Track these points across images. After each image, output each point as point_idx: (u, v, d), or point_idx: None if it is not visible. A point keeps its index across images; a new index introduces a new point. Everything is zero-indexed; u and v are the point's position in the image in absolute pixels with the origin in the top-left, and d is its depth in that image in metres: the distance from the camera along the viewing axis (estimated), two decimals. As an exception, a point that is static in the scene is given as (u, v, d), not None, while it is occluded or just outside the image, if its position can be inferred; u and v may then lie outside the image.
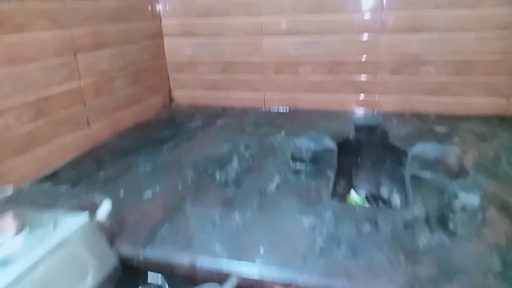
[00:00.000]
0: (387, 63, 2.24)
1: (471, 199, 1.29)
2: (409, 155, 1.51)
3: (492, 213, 1.19)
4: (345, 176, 1.84)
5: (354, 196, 1.76)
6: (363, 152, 1.96)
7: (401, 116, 2.21)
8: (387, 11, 2.15)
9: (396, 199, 1.75)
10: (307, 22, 2.30)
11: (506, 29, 2.01)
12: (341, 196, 1.75)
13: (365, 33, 2.23)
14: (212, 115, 2.42)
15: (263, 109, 2.52)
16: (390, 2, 2.13)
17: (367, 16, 2.19)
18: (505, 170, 1.47)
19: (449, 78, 2.18)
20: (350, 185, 1.90)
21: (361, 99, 2.37)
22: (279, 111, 2.49)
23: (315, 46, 2.33)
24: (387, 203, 1.82)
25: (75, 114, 1.82)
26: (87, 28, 1.87)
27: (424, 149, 1.51)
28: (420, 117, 2.18)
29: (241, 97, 2.59)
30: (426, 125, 2.05)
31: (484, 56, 2.10)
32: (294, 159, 1.63)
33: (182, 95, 2.70)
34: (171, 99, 2.71)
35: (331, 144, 1.63)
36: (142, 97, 2.38)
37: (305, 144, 1.63)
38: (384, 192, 1.89)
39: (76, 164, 1.72)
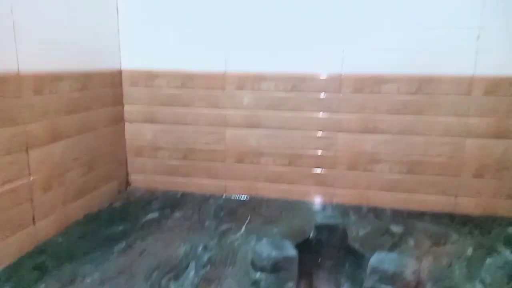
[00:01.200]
0: (344, 159, 2.36)
1: None
2: (369, 266, 1.51)
3: None
4: (306, 279, 1.79)
5: None
6: (323, 252, 1.94)
7: (358, 210, 2.27)
8: (344, 113, 2.32)
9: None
10: (269, 117, 2.41)
11: (449, 136, 2.22)
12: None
13: (323, 131, 2.36)
14: (170, 203, 2.37)
15: (224, 197, 2.50)
16: (346, 106, 2.30)
17: (325, 115, 2.34)
18: (459, 286, 1.51)
19: (402, 176, 2.31)
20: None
21: (319, 191, 2.43)
22: (239, 199, 2.48)
23: (276, 139, 2.43)
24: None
25: (20, 213, 1.69)
26: (43, 122, 1.81)
27: (383, 260, 1.53)
28: (376, 212, 2.26)
29: (202, 184, 2.58)
30: (382, 223, 2.11)
31: (432, 158, 2.26)
32: (254, 267, 1.58)
33: (140, 180, 2.65)
34: (127, 184, 2.62)
35: (292, 252, 1.60)
36: (96, 185, 2.29)
37: (266, 251, 1.58)
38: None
39: (14, 271, 1.57)
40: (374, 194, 2.35)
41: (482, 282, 1.52)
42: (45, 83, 1.81)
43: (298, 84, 2.32)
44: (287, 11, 2.27)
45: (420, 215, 2.22)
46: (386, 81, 2.20)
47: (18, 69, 1.64)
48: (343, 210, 2.28)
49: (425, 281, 1.51)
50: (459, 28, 2.08)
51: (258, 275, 1.55)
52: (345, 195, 2.40)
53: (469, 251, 1.79)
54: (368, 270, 1.51)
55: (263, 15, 2.29)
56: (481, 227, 2.05)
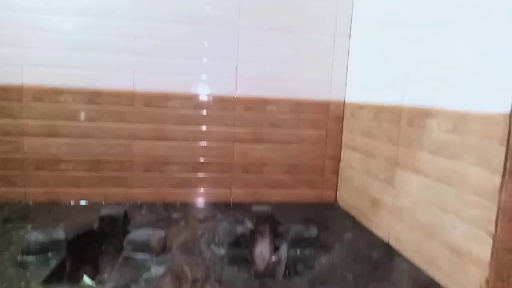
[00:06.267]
0: (240, 164, 2.90)
1: (157, 270, 1.69)
2: (125, 240, 1.85)
3: (167, 280, 1.62)
4: (82, 261, 1.98)
5: (87, 280, 1.92)
6: (106, 238, 2.15)
7: (250, 205, 2.57)
8: (238, 127, 2.86)
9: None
10: (175, 130, 2.80)
11: (315, 145, 2.96)
12: (73, 279, 1.86)
13: (225, 142, 2.85)
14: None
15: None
16: (239, 121, 2.85)
17: (224, 129, 2.84)
18: (199, 248, 1.97)
19: (283, 176, 2.97)
20: (86, 269, 2.01)
21: (219, 192, 2.93)
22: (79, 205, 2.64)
23: (183, 149, 2.82)
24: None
25: None
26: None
27: (137, 234, 1.89)
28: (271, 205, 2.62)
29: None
30: (167, 213, 2.54)
31: (303, 162, 2.96)
32: (23, 252, 1.74)
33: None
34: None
35: (60, 235, 1.80)
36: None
37: (34, 237, 1.76)
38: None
39: None
40: (264, 191, 2.97)
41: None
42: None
43: (199, 102, 2.79)
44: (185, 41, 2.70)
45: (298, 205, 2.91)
46: (269, 102, 2.90)
47: None
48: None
49: (174, 246, 1.96)
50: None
51: (25, 257, 1.72)
52: (240, 194, 2.94)
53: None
54: (124, 242, 1.85)
55: (165, 42, 2.68)
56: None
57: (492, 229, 1.44)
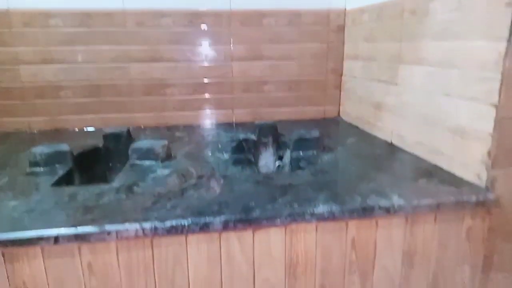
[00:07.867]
0: (240, 84, 2.86)
1: (163, 171, 1.76)
2: (130, 149, 1.93)
3: (172, 177, 1.68)
4: (89, 174, 2.09)
5: None
6: (112, 156, 2.27)
7: (253, 123, 2.57)
8: (235, 44, 2.77)
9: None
10: (171, 50, 2.71)
11: (316, 59, 2.89)
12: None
13: (222, 61, 2.78)
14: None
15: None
16: (237, 38, 2.75)
17: (221, 47, 2.75)
18: (203, 155, 2.04)
19: (284, 93, 2.95)
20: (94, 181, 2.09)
21: (219, 113, 2.92)
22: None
23: (181, 70, 2.76)
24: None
25: None
26: None
27: (140, 144, 1.96)
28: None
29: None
30: (170, 132, 2.60)
31: (304, 78, 2.91)
32: (30, 163, 1.83)
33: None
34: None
35: (64, 148, 1.88)
36: None
37: (40, 150, 1.85)
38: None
39: None
40: (264, 110, 2.94)
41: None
42: None
43: (193, 19, 2.70)
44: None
45: (301, 121, 2.91)
46: (267, 15, 2.79)
47: None
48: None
49: (177, 154, 2.04)
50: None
51: (33, 168, 1.80)
52: (242, 114, 2.94)
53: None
54: (129, 151, 1.92)
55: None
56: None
57: (495, 100, 1.40)
